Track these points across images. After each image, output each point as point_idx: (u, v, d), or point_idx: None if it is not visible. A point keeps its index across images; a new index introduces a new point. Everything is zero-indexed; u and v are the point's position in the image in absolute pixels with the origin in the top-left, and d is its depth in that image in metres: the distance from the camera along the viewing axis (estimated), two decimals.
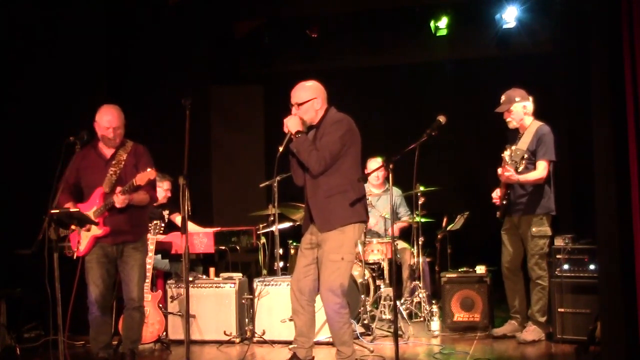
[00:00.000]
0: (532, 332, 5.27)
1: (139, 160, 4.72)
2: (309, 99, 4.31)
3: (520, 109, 5.31)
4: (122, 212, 4.61)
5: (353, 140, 4.32)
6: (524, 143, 5.25)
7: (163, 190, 6.47)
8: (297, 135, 4.25)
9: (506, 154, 5.21)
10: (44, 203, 4.61)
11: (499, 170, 5.18)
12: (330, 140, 4.22)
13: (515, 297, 5.45)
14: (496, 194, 5.44)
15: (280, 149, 4.30)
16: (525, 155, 5.20)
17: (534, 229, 5.24)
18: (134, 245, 4.73)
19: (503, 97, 5.35)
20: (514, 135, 5.40)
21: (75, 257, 4.58)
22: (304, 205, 4.54)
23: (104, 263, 4.66)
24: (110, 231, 4.60)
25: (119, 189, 4.52)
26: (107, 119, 4.62)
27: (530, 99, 5.36)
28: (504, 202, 5.34)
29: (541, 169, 5.22)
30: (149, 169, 4.51)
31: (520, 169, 5.18)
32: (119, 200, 4.51)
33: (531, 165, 5.24)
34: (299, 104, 4.31)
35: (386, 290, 6.02)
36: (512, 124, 5.35)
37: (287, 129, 4.28)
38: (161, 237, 5.93)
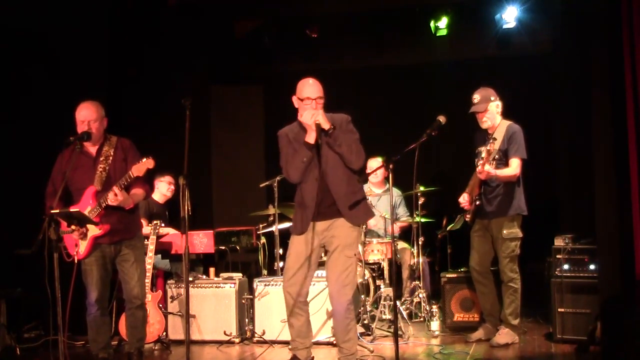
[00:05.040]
0: (505, 335, 5.21)
1: (128, 154, 4.69)
2: (324, 95, 4.32)
3: (494, 109, 5.26)
4: (117, 210, 4.57)
5: None
6: (496, 143, 5.17)
7: (167, 184, 6.48)
8: (330, 130, 4.20)
9: (484, 149, 5.20)
10: (44, 203, 4.64)
11: (478, 168, 5.10)
12: (357, 137, 4.32)
13: (487, 300, 5.40)
14: (463, 198, 5.39)
15: (313, 141, 4.21)
16: (497, 156, 5.14)
17: (505, 231, 5.18)
18: (130, 242, 4.71)
19: (478, 97, 5.25)
20: (483, 136, 5.34)
21: (76, 260, 4.55)
22: (305, 204, 4.41)
23: (102, 264, 4.65)
24: (107, 230, 4.59)
25: (115, 187, 4.44)
26: (83, 114, 4.59)
27: (498, 98, 5.31)
28: (477, 204, 5.27)
29: (515, 166, 5.16)
30: (145, 159, 4.45)
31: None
32: (113, 199, 4.42)
33: (502, 165, 5.18)
34: (323, 98, 4.30)
35: (386, 290, 6.02)
36: (487, 123, 5.27)
37: (315, 122, 4.17)
38: (163, 232, 5.95)
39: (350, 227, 4.32)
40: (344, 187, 4.31)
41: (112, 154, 4.66)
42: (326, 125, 4.20)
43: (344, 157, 4.26)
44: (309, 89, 4.29)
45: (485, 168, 5.05)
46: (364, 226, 6.09)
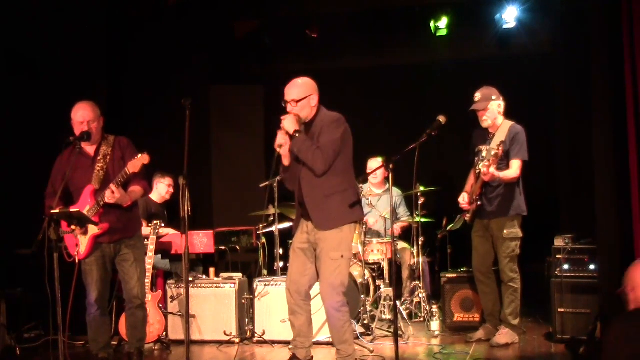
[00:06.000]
0: (505, 336, 5.21)
1: (125, 152, 4.68)
2: (306, 96, 4.29)
3: (495, 108, 5.24)
4: (116, 209, 4.56)
5: (348, 139, 4.34)
6: (497, 143, 5.15)
7: (166, 186, 6.50)
8: (295, 135, 4.23)
9: (484, 148, 5.19)
10: (44, 203, 4.64)
11: (483, 169, 5.05)
12: (332, 139, 4.22)
13: (489, 300, 5.40)
14: (463, 199, 5.36)
15: (279, 150, 4.29)
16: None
17: (505, 231, 5.17)
18: (130, 242, 4.71)
19: (479, 95, 5.25)
20: (483, 135, 5.34)
21: (77, 261, 4.55)
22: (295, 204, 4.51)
23: (102, 264, 4.65)
24: (107, 229, 4.58)
25: (111, 185, 4.44)
26: (81, 114, 4.58)
27: (502, 98, 5.29)
28: (478, 204, 5.25)
29: (516, 168, 5.15)
30: (140, 155, 4.44)
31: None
32: (110, 196, 4.42)
33: (503, 166, 5.15)
34: (297, 101, 4.28)
35: (386, 290, 6.02)
36: (487, 122, 5.25)
37: (284, 129, 4.25)
38: (163, 232, 5.95)
39: (334, 228, 4.26)
40: (315, 191, 4.28)
41: (110, 153, 4.66)
42: (291, 130, 4.23)
43: (306, 162, 4.25)
44: (286, 91, 4.32)
45: (490, 170, 5.03)
46: (364, 225, 6.09)
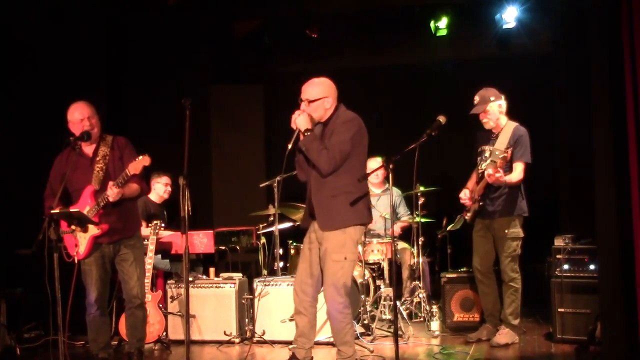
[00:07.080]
0: (505, 336, 5.21)
1: (123, 152, 4.69)
2: (320, 97, 4.28)
3: (496, 108, 5.22)
4: (115, 209, 4.58)
5: (361, 140, 4.31)
6: (501, 144, 5.15)
7: (163, 185, 6.51)
8: (305, 134, 4.22)
9: (487, 149, 5.17)
10: (43, 203, 4.64)
11: (490, 171, 5.01)
12: (341, 140, 4.19)
13: (489, 300, 5.40)
14: (465, 194, 5.36)
15: (289, 146, 4.27)
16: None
17: (507, 231, 5.17)
18: (129, 242, 4.72)
19: (477, 98, 5.24)
20: (487, 135, 5.32)
21: (76, 261, 4.56)
22: (304, 204, 4.51)
23: (101, 264, 4.66)
24: (107, 230, 4.59)
25: (111, 183, 4.46)
26: (79, 112, 4.60)
27: (503, 97, 5.28)
28: (480, 204, 5.24)
29: (519, 170, 5.14)
30: (141, 157, 4.46)
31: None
32: (113, 193, 4.44)
33: (504, 166, 5.14)
34: (310, 101, 4.28)
35: (386, 290, 6.02)
36: (489, 124, 5.25)
37: (296, 125, 4.25)
38: (163, 234, 5.95)
39: (337, 229, 4.24)
40: (322, 191, 4.27)
41: (108, 153, 4.67)
42: (302, 128, 4.22)
43: (313, 162, 4.24)
44: (302, 89, 4.32)
45: (497, 174, 5.01)
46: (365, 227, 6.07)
